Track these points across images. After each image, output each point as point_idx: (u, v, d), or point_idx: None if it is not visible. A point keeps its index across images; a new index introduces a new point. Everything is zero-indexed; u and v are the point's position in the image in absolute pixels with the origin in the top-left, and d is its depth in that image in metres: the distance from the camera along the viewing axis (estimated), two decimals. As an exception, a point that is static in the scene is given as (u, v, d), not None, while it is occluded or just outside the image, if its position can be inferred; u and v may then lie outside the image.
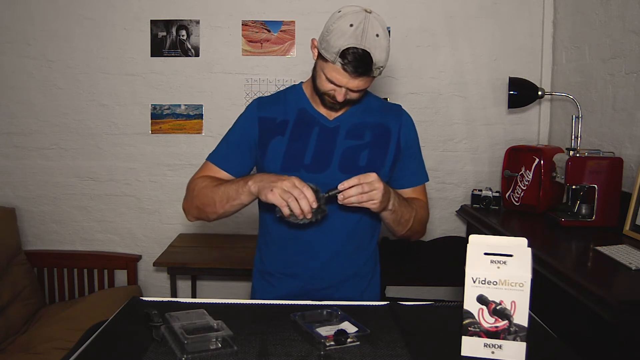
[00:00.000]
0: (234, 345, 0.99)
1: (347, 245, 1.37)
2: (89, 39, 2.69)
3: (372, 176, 1.16)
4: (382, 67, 1.22)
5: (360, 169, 1.33)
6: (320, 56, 1.25)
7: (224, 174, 1.38)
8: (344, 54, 1.17)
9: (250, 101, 2.67)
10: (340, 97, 1.25)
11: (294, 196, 1.13)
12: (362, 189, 1.14)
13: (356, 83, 1.22)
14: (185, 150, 2.76)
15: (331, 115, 1.36)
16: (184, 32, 2.69)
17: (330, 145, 1.34)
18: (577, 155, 2.01)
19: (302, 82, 1.42)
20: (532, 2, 2.67)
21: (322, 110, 1.36)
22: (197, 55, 2.71)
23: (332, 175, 1.31)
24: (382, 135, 1.37)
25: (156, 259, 2.43)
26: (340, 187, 1.15)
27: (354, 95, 1.28)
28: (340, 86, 1.24)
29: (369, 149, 1.35)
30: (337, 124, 1.36)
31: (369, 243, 1.43)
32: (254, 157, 1.39)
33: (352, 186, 1.15)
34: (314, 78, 1.31)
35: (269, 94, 1.48)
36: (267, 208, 1.42)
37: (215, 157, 1.40)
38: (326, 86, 1.26)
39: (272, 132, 1.35)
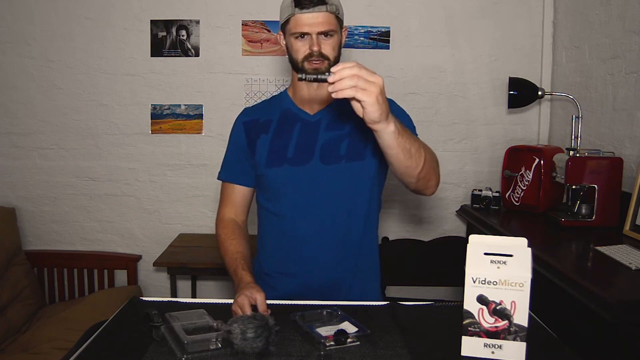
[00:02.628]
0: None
1: (343, 242, 1.37)
2: (89, 39, 2.68)
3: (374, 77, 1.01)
4: (335, 4, 1.29)
5: (341, 158, 1.35)
6: (284, 30, 1.34)
7: (239, 188, 1.45)
8: (297, 1, 1.26)
9: (249, 102, 2.69)
10: (315, 46, 1.28)
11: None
12: (357, 82, 0.98)
13: (319, 20, 1.27)
14: (185, 150, 2.76)
15: (313, 109, 1.40)
16: (184, 32, 2.69)
17: (312, 138, 1.37)
18: (577, 155, 2.01)
19: (286, 89, 1.48)
20: (532, 2, 2.67)
21: (305, 107, 1.40)
22: (197, 55, 2.71)
23: (315, 167, 1.34)
24: (363, 124, 1.36)
25: (156, 259, 2.43)
26: (330, 79, 0.99)
27: (327, 42, 1.30)
28: (307, 33, 1.28)
29: (349, 139, 1.37)
30: (319, 117, 1.39)
31: (367, 242, 1.42)
32: (251, 162, 1.42)
33: (347, 76, 0.98)
34: (290, 57, 1.35)
35: (259, 101, 1.57)
36: (263, 208, 1.44)
37: (224, 175, 1.47)
38: (299, 47, 1.30)
39: (257, 132, 1.41)
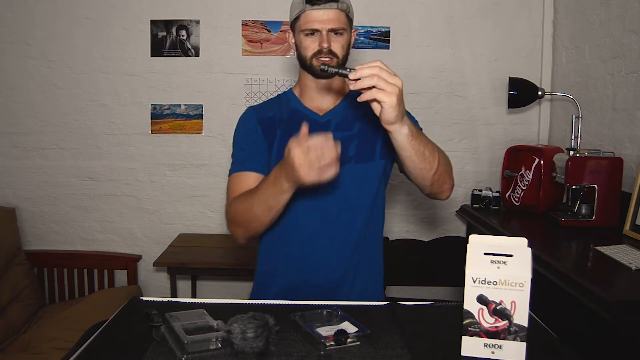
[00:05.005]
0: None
1: (346, 242, 1.37)
2: (89, 39, 2.68)
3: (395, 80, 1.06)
4: (346, 3, 1.30)
5: (350, 159, 1.35)
6: (294, 28, 1.34)
7: (252, 175, 1.34)
8: None
9: (249, 102, 2.69)
10: (325, 42, 1.28)
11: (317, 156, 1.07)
12: (377, 82, 1.03)
13: (330, 17, 1.28)
14: (185, 150, 2.76)
15: (321, 110, 1.40)
16: (184, 32, 2.69)
17: None
18: (577, 155, 2.01)
19: (291, 88, 1.47)
20: (532, 2, 2.67)
21: (313, 107, 1.40)
22: (197, 55, 2.71)
23: None
24: (371, 125, 1.38)
25: (156, 259, 2.43)
26: (351, 76, 1.04)
27: (337, 40, 1.30)
28: (318, 30, 1.28)
29: (357, 140, 1.37)
30: (328, 118, 1.39)
31: (370, 241, 1.42)
32: (268, 151, 1.38)
33: (368, 75, 1.03)
34: (299, 54, 1.35)
35: (261, 101, 1.54)
36: None
37: (236, 167, 1.38)
38: (308, 44, 1.31)
39: (274, 129, 1.39)
